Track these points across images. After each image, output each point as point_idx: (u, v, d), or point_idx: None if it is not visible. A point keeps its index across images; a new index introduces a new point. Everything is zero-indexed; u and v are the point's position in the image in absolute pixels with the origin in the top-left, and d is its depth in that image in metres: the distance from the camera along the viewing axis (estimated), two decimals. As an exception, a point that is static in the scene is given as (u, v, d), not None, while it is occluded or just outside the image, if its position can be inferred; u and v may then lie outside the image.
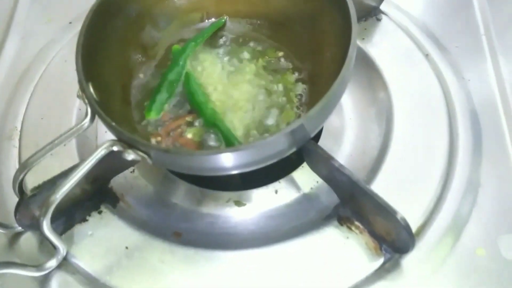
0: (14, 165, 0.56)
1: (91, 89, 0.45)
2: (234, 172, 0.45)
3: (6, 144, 0.57)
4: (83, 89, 0.44)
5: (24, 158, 0.56)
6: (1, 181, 0.55)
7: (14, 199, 0.48)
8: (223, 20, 0.61)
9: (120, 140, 0.43)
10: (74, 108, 0.59)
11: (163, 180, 0.55)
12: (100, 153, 0.42)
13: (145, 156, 0.42)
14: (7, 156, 0.57)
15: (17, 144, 0.57)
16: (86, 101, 0.44)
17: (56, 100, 0.60)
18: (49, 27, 0.70)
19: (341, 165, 0.47)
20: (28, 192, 0.47)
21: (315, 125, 0.45)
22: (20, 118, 0.59)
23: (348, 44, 0.45)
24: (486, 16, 0.66)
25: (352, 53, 0.43)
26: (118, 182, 0.54)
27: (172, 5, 0.59)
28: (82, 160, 0.43)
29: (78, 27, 0.66)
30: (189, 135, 0.52)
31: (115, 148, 0.43)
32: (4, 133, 0.58)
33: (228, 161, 0.41)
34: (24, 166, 0.45)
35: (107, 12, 0.50)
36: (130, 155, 0.43)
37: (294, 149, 0.45)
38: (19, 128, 0.59)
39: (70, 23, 0.70)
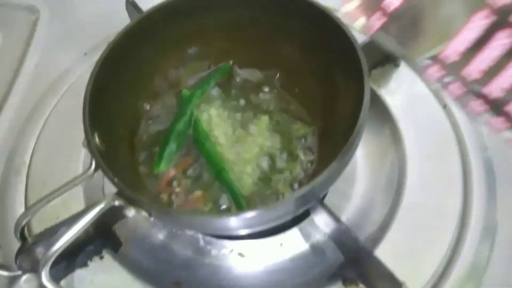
0: (20, 202, 0.55)
1: (97, 139, 0.45)
2: (239, 232, 0.44)
3: (13, 179, 0.57)
4: (88, 139, 0.44)
5: (30, 196, 0.55)
6: (7, 218, 0.55)
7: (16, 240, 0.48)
8: (229, 65, 0.60)
9: (122, 195, 0.42)
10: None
11: (167, 225, 0.54)
12: (101, 207, 0.42)
13: (146, 214, 0.42)
14: (14, 191, 0.56)
15: (24, 180, 0.57)
16: (90, 151, 0.44)
17: (66, 135, 0.60)
18: (63, 57, 0.70)
19: (347, 228, 0.46)
20: (29, 239, 0.46)
21: (324, 188, 0.44)
22: (29, 152, 0.59)
23: (359, 103, 0.43)
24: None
25: (362, 119, 0.42)
26: (122, 224, 0.53)
27: (183, 53, 0.58)
28: (84, 211, 0.43)
29: (93, 58, 0.67)
30: (198, 192, 0.51)
31: (116, 203, 0.42)
32: (12, 168, 0.58)
33: (232, 224, 0.41)
34: (27, 213, 0.45)
35: (116, 61, 0.50)
36: (131, 212, 0.42)
37: (301, 211, 0.44)
38: (27, 163, 0.58)
39: (85, 54, 0.70)
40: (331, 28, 0.49)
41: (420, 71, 0.63)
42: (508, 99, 0.33)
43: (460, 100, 0.35)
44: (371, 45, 0.58)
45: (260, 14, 0.55)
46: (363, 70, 0.44)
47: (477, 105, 0.34)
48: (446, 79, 0.35)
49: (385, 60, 0.65)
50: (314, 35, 0.53)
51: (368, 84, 0.44)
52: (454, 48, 0.33)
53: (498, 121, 0.34)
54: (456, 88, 0.34)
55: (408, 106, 0.60)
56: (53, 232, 0.46)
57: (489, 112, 0.34)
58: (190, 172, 0.53)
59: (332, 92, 0.52)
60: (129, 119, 0.54)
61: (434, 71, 0.35)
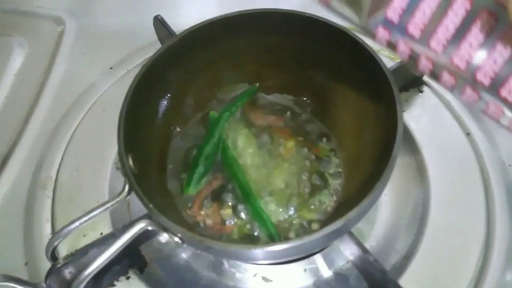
0: (46, 218, 0.56)
1: (131, 163, 0.45)
2: (266, 262, 0.44)
3: (40, 195, 0.58)
4: (123, 163, 0.44)
5: (57, 211, 0.56)
6: (33, 234, 0.55)
7: (43, 255, 0.49)
8: (256, 87, 0.61)
9: (155, 220, 0.43)
10: (110, 161, 0.59)
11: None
12: (134, 231, 0.42)
13: (179, 241, 0.42)
14: (40, 207, 0.57)
15: (50, 195, 0.57)
16: (125, 176, 0.44)
17: (92, 151, 0.61)
18: (89, 70, 0.71)
19: (375, 260, 0.46)
20: (60, 259, 0.47)
21: (356, 221, 0.44)
22: (56, 167, 0.60)
23: (391, 133, 0.44)
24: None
25: (396, 151, 0.42)
26: (148, 244, 0.53)
27: (213, 76, 0.59)
28: (116, 234, 0.44)
29: (118, 73, 0.68)
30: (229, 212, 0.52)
31: (149, 228, 0.43)
32: (38, 182, 0.59)
33: (263, 255, 0.41)
34: (59, 235, 0.45)
35: (148, 84, 0.50)
36: (164, 238, 0.43)
37: (330, 244, 0.45)
38: (53, 178, 0.59)
39: (111, 68, 0.71)
40: (361, 55, 0.49)
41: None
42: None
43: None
44: (396, 71, 0.59)
45: (290, 39, 0.56)
46: (395, 100, 0.45)
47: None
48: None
49: (409, 85, 0.65)
50: (344, 61, 0.53)
51: (401, 114, 0.44)
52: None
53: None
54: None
55: (432, 132, 0.61)
56: (83, 254, 0.47)
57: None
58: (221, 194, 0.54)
59: (362, 119, 0.53)
60: (159, 140, 0.55)
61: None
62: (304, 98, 0.61)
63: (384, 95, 0.47)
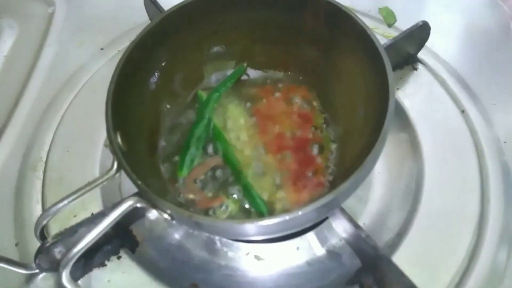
0: (37, 198, 0.55)
1: (119, 140, 0.45)
2: (257, 238, 0.44)
3: (30, 175, 0.57)
4: (111, 140, 0.44)
5: (47, 192, 0.55)
6: (23, 214, 0.55)
7: (33, 236, 0.48)
8: (244, 66, 0.60)
9: (145, 197, 0.42)
10: (100, 142, 0.59)
11: (183, 225, 0.54)
12: (123, 209, 0.42)
13: (168, 217, 0.42)
14: (31, 188, 0.56)
15: (41, 176, 0.57)
16: (113, 153, 0.44)
17: (83, 131, 0.60)
18: (80, 51, 0.70)
19: (367, 235, 0.45)
20: (50, 238, 0.46)
21: (347, 196, 0.43)
22: (46, 148, 0.59)
23: (383, 109, 0.43)
24: (528, 74, 0.64)
25: (387, 126, 0.42)
26: (139, 224, 0.53)
27: (203, 53, 0.58)
28: (105, 213, 0.43)
29: (109, 54, 0.67)
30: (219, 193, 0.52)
31: (138, 205, 0.42)
32: (29, 163, 0.58)
33: (252, 230, 0.40)
34: (48, 214, 0.44)
35: (137, 61, 0.50)
36: (153, 214, 0.42)
37: (321, 219, 0.44)
38: (44, 159, 0.58)
39: (101, 49, 0.70)
40: (355, 32, 0.49)
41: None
42: None
43: None
44: (390, 48, 0.58)
45: (282, 14, 0.55)
46: (388, 77, 0.44)
47: None
48: None
49: (404, 63, 0.64)
50: (337, 37, 0.53)
51: (393, 90, 0.44)
52: None
53: None
54: None
55: (426, 110, 0.60)
56: (73, 232, 0.47)
57: None
58: (213, 173, 0.53)
59: (355, 95, 0.52)
60: (149, 118, 0.54)
61: None
62: (296, 74, 0.60)
63: (377, 71, 0.46)
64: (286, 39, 0.57)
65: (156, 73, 0.54)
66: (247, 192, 0.50)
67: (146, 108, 0.53)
